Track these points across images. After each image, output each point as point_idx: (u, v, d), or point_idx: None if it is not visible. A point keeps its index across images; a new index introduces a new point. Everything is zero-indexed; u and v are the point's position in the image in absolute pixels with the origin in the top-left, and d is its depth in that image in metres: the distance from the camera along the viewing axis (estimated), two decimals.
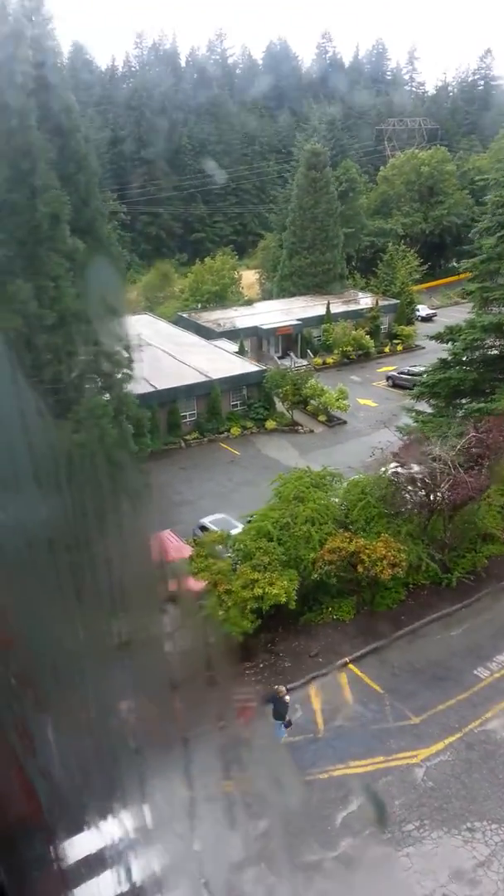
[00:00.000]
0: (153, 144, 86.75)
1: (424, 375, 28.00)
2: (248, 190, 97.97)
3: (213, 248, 73.01)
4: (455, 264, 78.93)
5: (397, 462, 31.61)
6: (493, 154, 79.82)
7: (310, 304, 52.68)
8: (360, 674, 17.34)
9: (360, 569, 17.95)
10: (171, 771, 3.94)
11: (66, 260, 18.39)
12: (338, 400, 36.85)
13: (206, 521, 26.32)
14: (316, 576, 18.52)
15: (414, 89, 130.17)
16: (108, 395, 19.95)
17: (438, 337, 27.88)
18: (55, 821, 2.79)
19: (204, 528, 26.03)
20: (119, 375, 20.43)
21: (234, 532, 24.66)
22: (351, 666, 17.63)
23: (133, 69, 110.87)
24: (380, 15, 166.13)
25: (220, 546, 19.44)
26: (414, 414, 28.84)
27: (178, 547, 23.79)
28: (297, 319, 48.15)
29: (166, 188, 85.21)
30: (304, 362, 45.83)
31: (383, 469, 30.66)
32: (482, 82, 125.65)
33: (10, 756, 2.55)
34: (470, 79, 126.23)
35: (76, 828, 2.88)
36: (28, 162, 17.55)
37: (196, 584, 22.79)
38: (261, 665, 17.92)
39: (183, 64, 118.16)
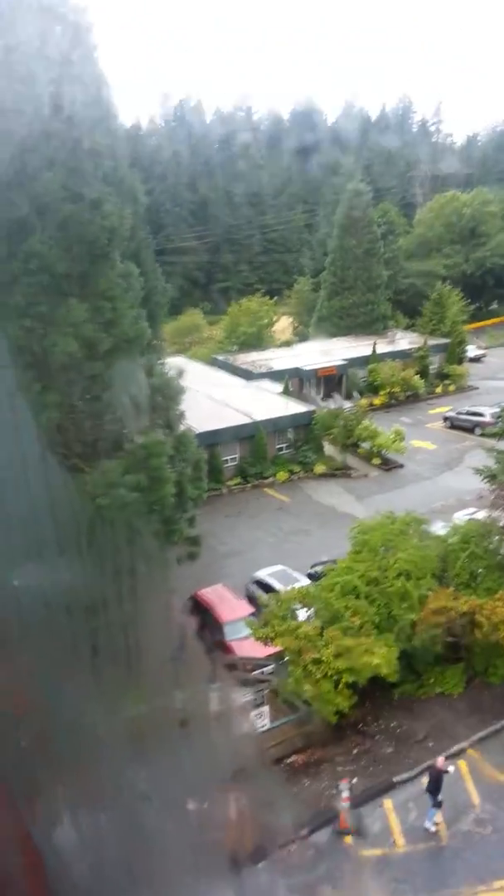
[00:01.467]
0: (179, 197, 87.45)
1: None
2: (275, 239, 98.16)
3: (237, 296, 71.95)
4: (496, 306, 77.26)
5: (480, 507, 28.75)
6: None
7: (352, 344, 50.58)
8: (483, 762, 14.17)
9: (477, 633, 14.96)
10: None
11: (123, 280, 16.30)
12: (394, 442, 34.19)
13: (263, 574, 23.47)
14: (418, 641, 15.57)
15: (441, 140, 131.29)
16: (162, 432, 17.57)
17: None
18: None
19: (261, 583, 23.19)
20: (175, 411, 18.08)
21: (296, 587, 21.88)
22: (471, 752, 14.47)
23: (159, 126, 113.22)
24: (406, 71, 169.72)
25: (298, 605, 16.61)
26: (495, 453, 25.99)
27: (234, 605, 20.99)
28: (342, 360, 46.00)
29: (191, 239, 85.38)
30: (349, 404, 43.40)
31: (461, 515, 27.92)
32: None
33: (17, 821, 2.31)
34: (499, 128, 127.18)
35: None
36: (84, 172, 15.70)
37: (260, 650, 19.90)
38: (354, 751, 14.84)
39: (208, 121, 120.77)
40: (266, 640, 15.62)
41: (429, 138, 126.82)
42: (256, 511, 30.65)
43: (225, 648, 19.92)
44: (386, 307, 54.43)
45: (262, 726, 14.19)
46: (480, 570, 16.81)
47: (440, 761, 12.69)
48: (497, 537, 17.33)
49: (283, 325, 65.97)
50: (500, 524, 17.55)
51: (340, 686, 14.22)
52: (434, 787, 12.68)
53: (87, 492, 15.47)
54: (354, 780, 13.37)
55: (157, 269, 25.50)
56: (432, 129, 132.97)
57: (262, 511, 30.75)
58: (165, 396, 17.77)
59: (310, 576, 23.85)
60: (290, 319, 66.57)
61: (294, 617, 15.74)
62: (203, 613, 21.24)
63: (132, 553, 17.26)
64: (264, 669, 19.20)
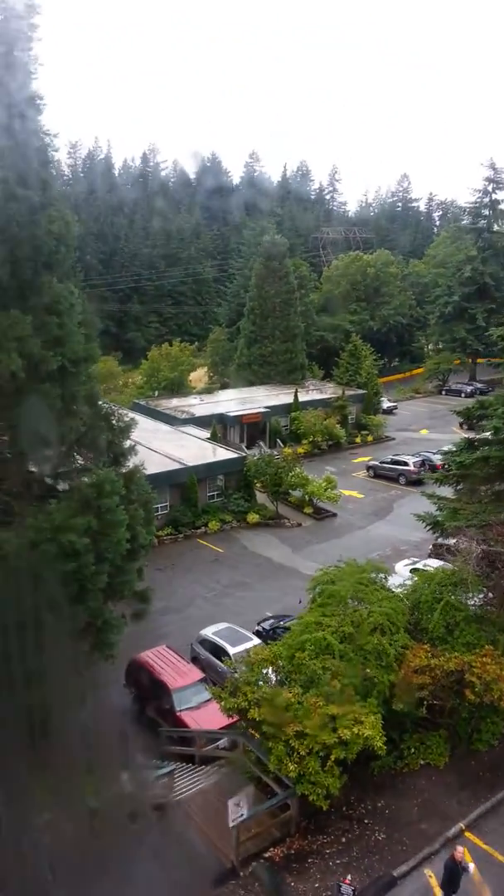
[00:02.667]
0: (87, 245, 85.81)
1: (452, 457, 24.66)
2: (184, 292, 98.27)
3: (148, 346, 70.57)
4: (397, 363, 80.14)
5: (418, 557, 27.88)
6: (428, 260, 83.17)
7: (272, 392, 50.03)
8: (485, 846, 12.48)
9: (468, 694, 13.47)
10: None
11: (67, 297, 14.28)
12: (326, 489, 33.17)
13: (209, 633, 21.22)
14: (399, 706, 13.89)
15: (335, 208, 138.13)
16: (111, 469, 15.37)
17: (466, 415, 24.80)
18: None
19: (207, 643, 20.91)
20: (123, 445, 15.93)
21: (247, 646, 19.80)
22: (469, 835, 12.76)
23: (64, 173, 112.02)
24: (301, 137, 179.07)
25: (268, 668, 14.55)
26: (436, 500, 25.32)
27: (182, 669, 18.59)
28: (264, 407, 45.14)
29: (100, 287, 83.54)
30: (274, 452, 42.33)
31: (402, 564, 26.91)
32: (400, 204, 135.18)
33: None
34: (389, 199, 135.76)
35: None
36: (27, 173, 13.78)
37: (215, 720, 17.53)
38: (343, 839, 12.77)
39: (117, 174, 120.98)
40: (235, 712, 13.41)
41: (324, 205, 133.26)
42: (191, 563, 28.37)
43: (175, 720, 17.42)
44: (303, 357, 54.61)
45: (240, 816, 11.90)
46: (459, 623, 15.46)
47: (458, 853, 10.92)
48: (472, 588, 16.13)
49: (199, 374, 64.85)
50: (473, 574, 16.37)
51: (329, 763, 12.24)
52: (449, 882, 10.89)
53: (21, 540, 13.00)
54: (349, 878, 11.29)
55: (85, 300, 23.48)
56: (328, 196, 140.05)
57: (197, 563, 28.52)
58: (112, 428, 15.62)
59: (258, 633, 21.85)
60: (206, 369, 65.57)
61: (266, 682, 13.65)
62: (146, 679, 18.67)
63: (74, 613, 14.78)
64: (219, 743, 16.90)
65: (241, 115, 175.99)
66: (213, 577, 27.70)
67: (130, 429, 16.03)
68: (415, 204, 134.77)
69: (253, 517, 32.82)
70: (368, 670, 14.39)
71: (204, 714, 17.59)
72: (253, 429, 44.60)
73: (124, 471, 15.96)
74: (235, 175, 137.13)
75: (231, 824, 11.87)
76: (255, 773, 13.46)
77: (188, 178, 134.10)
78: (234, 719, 17.45)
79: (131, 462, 16.34)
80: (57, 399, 13.91)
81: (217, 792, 13.84)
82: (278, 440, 44.58)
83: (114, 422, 15.81)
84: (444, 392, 65.57)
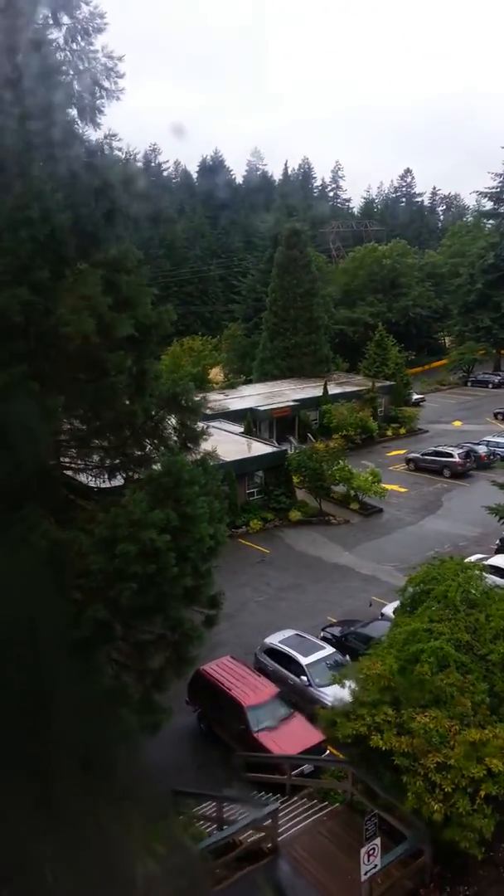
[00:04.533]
0: None
1: None
2: (190, 293, 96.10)
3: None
4: (414, 356, 77.99)
5: (487, 553, 25.77)
6: (444, 250, 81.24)
7: (298, 386, 47.91)
8: None
9: None
10: None
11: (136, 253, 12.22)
12: (373, 483, 31.05)
13: (274, 641, 19.08)
14: None
15: (339, 204, 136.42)
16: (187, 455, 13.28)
17: None
18: None
19: (274, 653, 18.77)
20: (197, 428, 13.83)
21: (320, 656, 17.67)
22: None
23: None
24: (304, 134, 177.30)
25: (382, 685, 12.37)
26: None
27: (254, 684, 16.45)
28: (293, 401, 43.04)
29: None
30: (304, 447, 40.24)
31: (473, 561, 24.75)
32: (403, 199, 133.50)
33: None
34: (393, 195, 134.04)
35: None
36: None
37: (298, 741, 15.40)
38: (491, 890, 10.62)
39: None
40: (358, 738, 11.23)
41: (328, 201, 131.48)
42: (237, 565, 26.22)
43: (252, 743, 15.27)
44: (328, 348, 52.53)
45: (373, 868, 9.76)
46: None
47: None
48: None
49: (214, 371, 62.78)
50: None
51: (478, 801, 10.10)
52: None
53: (96, 539, 10.92)
54: None
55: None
56: (331, 193, 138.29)
57: (244, 565, 26.40)
58: (182, 409, 13.49)
59: (325, 640, 19.72)
60: (221, 365, 63.48)
61: (390, 704, 11.47)
62: (213, 695, 16.53)
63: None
64: (303, 769, 14.77)
65: (243, 112, 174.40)
66: (262, 579, 25.58)
67: (201, 409, 13.90)
68: (418, 199, 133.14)
69: (295, 514, 30.71)
70: (495, 686, 12.30)
71: (284, 735, 15.50)
72: (282, 423, 42.51)
73: (196, 458, 13.85)
74: (238, 174, 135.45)
75: (363, 877, 9.73)
76: (369, 807, 11.30)
77: (191, 177, 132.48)
78: (319, 741, 15.40)
79: (202, 448, 14.22)
80: (127, 373, 11.87)
81: (326, 832, 11.70)
82: (308, 434, 42.48)
83: (183, 401, 13.69)
84: (469, 383, 63.53)
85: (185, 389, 13.78)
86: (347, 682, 12.29)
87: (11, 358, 10.14)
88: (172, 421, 13.32)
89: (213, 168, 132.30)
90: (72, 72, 11.42)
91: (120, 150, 12.04)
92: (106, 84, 11.56)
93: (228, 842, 10.81)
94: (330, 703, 16.53)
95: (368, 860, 9.74)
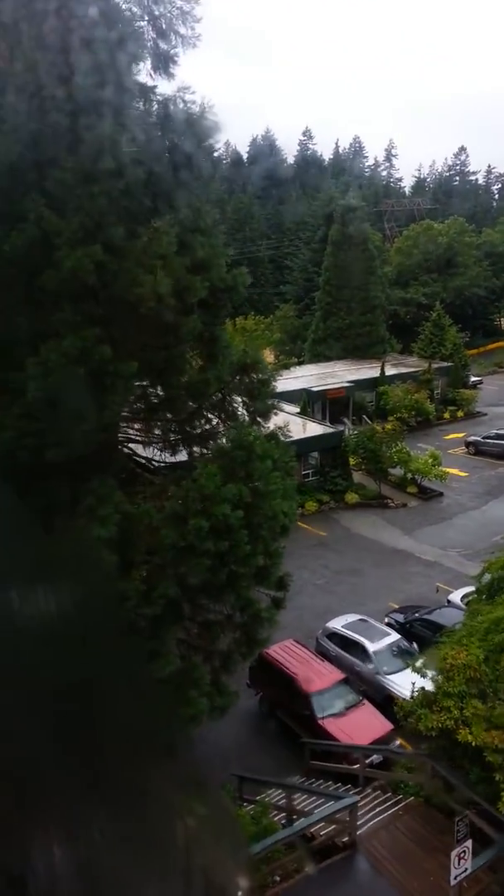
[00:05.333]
0: None
1: None
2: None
3: None
4: (468, 338, 75.60)
5: None
6: (503, 229, 78.37)
7: (352, 367, 46.81)
8: None
9: None
10: None
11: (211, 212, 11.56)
12: (434, 466, 29.97)
13: (337, 625, 18.44)
14: None
15: (392, 183, 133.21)
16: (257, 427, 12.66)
17: None
18: None
19: (337, 637, 18.13)
20: (268, 400, 13.18)
21: (387, 642, 16.95)
22: None
23: None
24: (355, 114, 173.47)
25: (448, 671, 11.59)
26: None
27: (318, 668, 15.84)
28: (348, 382, 42.02)
29: None
30: (359, 429, 39.30)
31: None
32: (457, 178, 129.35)
33: None
34: (446, 174, 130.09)
35: None
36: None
37: (365, 731, 14.75)
38: None
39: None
40: (443, 731, 10.51)
41: (380, 180, 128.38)
42: (293, 547, 25.32)
43: (317, 730, 14.70)
44: (383, 329, 51.11)
45: (464, 872, 9.08)
46: None
47: None
48: None
49: (265, 352, 61.99)
50: None
51: None
52: None
53: (167, 513, 10.40)
54: None
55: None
56: (383, 172, 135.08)
57: (300, 547, 25.73)
58: (255, 380, 12.83)
59: (389, 626, 18.98)
60: (272, 347, 62.64)
61: (476, 696, 10.70)
62: (276, 679, 16.01)
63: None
64: (372, 759, 14.13)
65: (293, 92, 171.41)
66: (319, 561, 24.93)
67: (273, 381, 13.21)
68: (473, 177, 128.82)
69: (352, 497, 29.89)
70: None
71: (350, 723, 14.89)
72: (335, 404, 41.56)
73: (266, 432, 13.21)
74: (289, 154, 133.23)
75: (453, 881, 9.05)
76: (457, 807, 10.59)
77: (241, 157, 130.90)
78: (388, 730, 14.74)
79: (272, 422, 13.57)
80: (199, 340, 11.27)
81: (404, 827, 11.05)
82: (364, 416, 41.46)
83: (253, 373, 13.03)
84: None
85: (256, 360, 13.13)
86: (428, 672, 11.54)
87: (82, 321, 9.63)
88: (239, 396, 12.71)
89: (265, 148, 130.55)
90: (146, 17, 10.75)
91: (194, 103, 11.33)
92: (181, 30, 10.85)
93: (303, 834, 10.26)
94: (397, 692, 15.89)
95: (459, 864, 9.05)
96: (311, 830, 10.55)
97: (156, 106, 11.08)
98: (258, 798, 13.36)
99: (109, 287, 9.84)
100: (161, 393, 11.60)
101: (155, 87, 10.98)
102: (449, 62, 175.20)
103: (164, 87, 11.43)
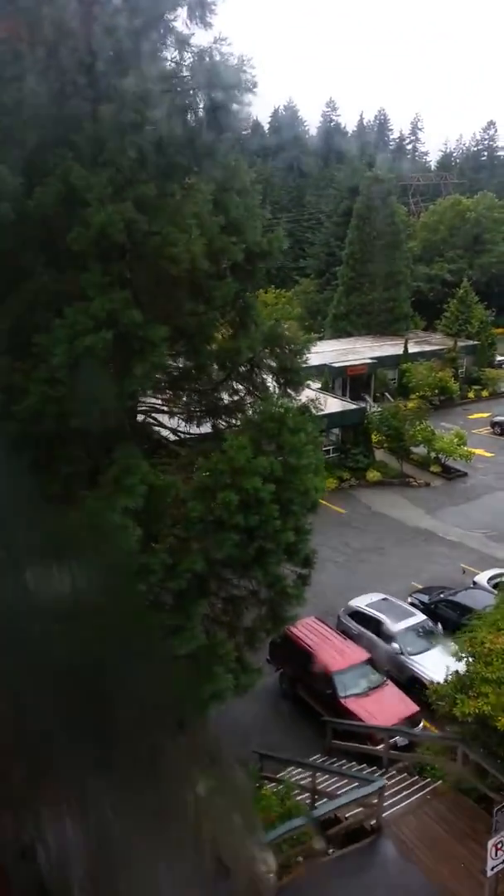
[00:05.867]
0: None
1: None
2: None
3: None
4: (494, 316, 74.04)
5: None
6: None
7: (374, 344, 46.00)
8: None
9: None
10: None
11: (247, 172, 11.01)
12: (458, 446, 29.37)
13: (360, 604, 18.11)
14: None
15: (417, 157, 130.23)
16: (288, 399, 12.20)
17: None
18: None
19: (359, 616, 17.82)
20: (300, 372, 12.71)
21: (411, 622, 16.60)
22: None
23: None
24: (381, 85, 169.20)
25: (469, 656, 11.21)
26: None
27: (341, 647, 15.54)
28: (370, 358, 41.28)
29: None
30: (381, 406, 38.67)
31: None
32: (486, 153, 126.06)
33: None
34: (474, 148, 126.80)
35: None
36: None
37: (390, 712, 14.47)
38: None
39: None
40: (479, 717, 10.15)
41: (405, 154, 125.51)
42: (313, 523, 25.18)
43: (339, 709, 14.44)
44: (407, 306, 50.10)
45: (501, 863, 8.77)
46: None
47: None
48: None
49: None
50: None
51: None
52: None
53: (195, 486, 10.04)
54: None
55: None
56: (409, 146, 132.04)
57: (320, 524, 24.92)
58: (285, 350, 12.34)
59: (414, 606, 18.62)
60: (292, 322, 61.76)
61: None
62: (297, 656, 15.75)
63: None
64: (396, 741, 13.85)
65: (316, 60, 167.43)
66: (340, 539, 24.56)
67: (305, 351, 12.72)
68: (501, 152, 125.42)
69: (374, 475, 29.42)
70: None
71: (374, 703, 14.60)
72: (356, 381, 40.88)
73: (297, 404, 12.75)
74: (312, 126, 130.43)
75: (489, 872, 8.75)
76: (495, 796, 10.28)
77: (262, 128, 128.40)
78: (413, 712, 14.45)
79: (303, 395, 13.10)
80: (231, 305, 10.80)
81: (433, 813, 10.77)
82: (386, 393, 40.78)
83: (285, 343, 12.54)
84: None
85: (288, 331, 12.64)
86: (463, 655, 11.16)
87: (111, 283, 9.18)
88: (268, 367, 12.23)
89: (286, 119, 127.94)
90: None
91: (231, 55, 10.70)
92: None
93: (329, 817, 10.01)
94: (422, 674, 15.58)
95: (497, 854, 8.74)
96: (338, 813, 10.30)
97: (191, 57, 10.47)
98: (279, 776, 13.18)
99: (139, 247, 9.38)
100: (189, 361, 11.15)
101: (192, 35, 10.36)
102: (477, 35, 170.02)
103: (200, 38, 10.81)
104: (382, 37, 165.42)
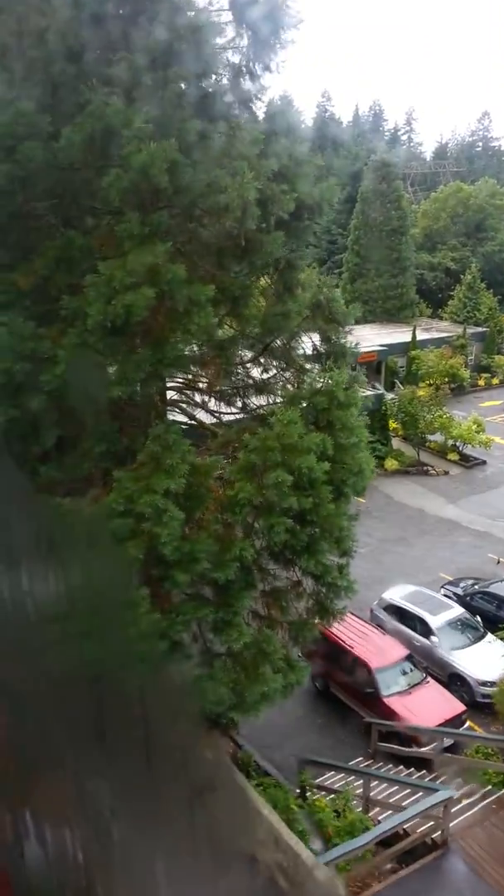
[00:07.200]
0: None
1: None
2: None
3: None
4: (497, 304, 73.15)
5: None
6: None
7: (381, 331, 45.01)
8: None
9: None
10: None
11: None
12: (477, 433, 28.44)
13: (395, 597, 17.13)
14: None
15: (412, 148, 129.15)
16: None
17: None
18: None
19: (394, 609, 16.85)
20: (345, 343, 11.68)
21: (450, 616, 15.65)
22: None
23: None
24: (375, 76, 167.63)
25: None
26: None
27: (381, 643, 14.58)
28: (379, 346, 40.28)
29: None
30: (391, 395, 37.69)
31: None
32: (480, 143, 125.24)
33: None
34: (468, 139, 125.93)
35: None
36: None
37: (435, 711, 13.51)
38: None
39: None
40: None
41: (400, 145, 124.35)
42: None
43: (382, 709, 13.47)
44: (413, 292, 49.10)
45: None
46: None
47: None
48: None
49: None
50: None
51: None
52: None
53: (241, 465, 8.99)
54: None
55: None
56: (403, 136, 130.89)
57: None
58: (328, 320, 11.29)
59: (448, 598, 17.67)
60: None
61: None
62: (333, 653, 14.77)
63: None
64: (441, 743, 12.88)
65: (311, 52, 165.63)
66: (362, 529, 23.14)
67: (348, 320, 11.66)
68: (496, 143, 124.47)
69: (391, 463, 28.45)
70: None
71: (417, 702, 13.65)
72: (366, 370, 39.86)
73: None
74: (307, 118, 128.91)
75: None
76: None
77: (256, 116, 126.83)
78: (459, 711, 13.50)
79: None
80: (276, 265, 9.75)
81: (502, 825, 9.80)
82: (396, 381, 39.82)
83: (328, 312, 11.47)
84: None
85: (331, 297, 11.56)
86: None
87: (151, 234, 8.09)
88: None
89: (282, 110, 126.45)
90: None
91: None
92: None
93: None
94: (463, 671, 14.66)
95: None
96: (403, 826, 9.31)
97: None
98: (316, 782, 12.21)
99: (183, 194, 8.28)
100: (233, 328, 10.09)
101: None
102: (469, 27, 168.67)
103: None
104: (375, 29, 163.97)
